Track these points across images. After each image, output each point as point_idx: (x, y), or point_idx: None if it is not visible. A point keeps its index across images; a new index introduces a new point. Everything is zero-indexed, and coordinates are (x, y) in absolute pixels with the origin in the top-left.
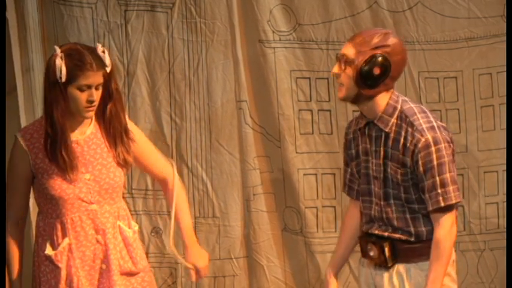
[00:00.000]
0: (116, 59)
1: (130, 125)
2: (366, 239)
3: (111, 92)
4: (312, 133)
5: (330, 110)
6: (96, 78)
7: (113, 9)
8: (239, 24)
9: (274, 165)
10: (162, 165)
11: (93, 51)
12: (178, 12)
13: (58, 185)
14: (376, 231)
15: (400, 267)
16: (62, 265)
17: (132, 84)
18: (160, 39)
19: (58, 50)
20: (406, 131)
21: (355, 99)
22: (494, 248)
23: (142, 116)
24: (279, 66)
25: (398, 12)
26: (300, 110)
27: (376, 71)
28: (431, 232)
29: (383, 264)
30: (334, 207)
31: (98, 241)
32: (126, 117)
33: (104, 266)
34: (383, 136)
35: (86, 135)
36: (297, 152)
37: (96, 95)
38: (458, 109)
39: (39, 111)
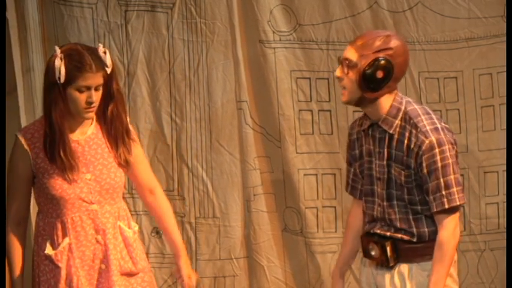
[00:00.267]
0: (116, 59)
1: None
2: (367, 238)
3: (112, 92)
4: (312, 133)
5: (330, 110)
6: (96, 79)
7: (113, 9)
8: (239, 24)
9: (275, 166)
10: (151, 175)
11: (93, 51)
12: (179, 12)
13: (59, 185)
14: (378, 231)
15: (402, 267)
16: (62, 265)
17: (132, 85)
18: (161, 40)
19: (58, 51)
20: (410, 133)
21: (359, 102)
22: (494, 248)
23: (142, 116)
24: (279, 67)
25: (398, 13)
26: (300, 110)
27: (379, 74)
28: (433, 233)
29: (384, 264)
30: (335, 207)
31: (97, 241)
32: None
33: (103, 266)
34: (387, 137)
35: (87, 136)
36: (297, 152)
37: (96, 96)
38: (458, 109)
39: (39, 112)
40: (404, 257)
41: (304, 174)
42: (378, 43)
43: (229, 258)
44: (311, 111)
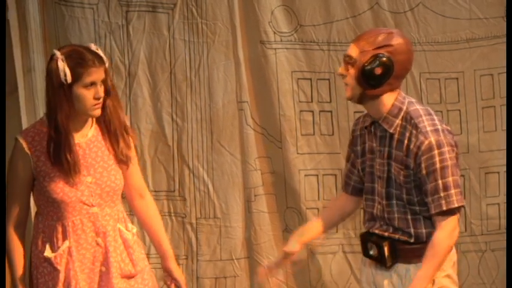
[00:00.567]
0: (117, 59)
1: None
2: (367, 237)
3: (109, 88)
4: (313, 134)
5: (331, 111)
6: (99, 74)
7: (114, 10)
8: (240, 25)
9: (276, 166)
10: (142, 178)
11: (89, 49)
12: (180, 13)
13: (60, 188)
14: (377, 231)
15: (400, 268)
16: (61, 268)
17: (133, 85)
18: (162, 40)
19: (58, 53)
20: (411, 133)
21: (360, 99)
22: (495, 249)
23: (143, 116)
24: (280, 67)
25: (399, 13)
26: (301, 111)
27: (378, 70)
28: (431, 234)
29: (382, 264)
30: None
31: (98, 244)
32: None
33: (103, 269)
34: (387, 136)
35: (88, 138)
36: (298, 153)
37: (101, 91)
38: (459, 110)
39: (40, 112)
40: (402, 257)
41: (305, 175)
42: (379, 40)
43: (230, 259)
44: (312, 111)
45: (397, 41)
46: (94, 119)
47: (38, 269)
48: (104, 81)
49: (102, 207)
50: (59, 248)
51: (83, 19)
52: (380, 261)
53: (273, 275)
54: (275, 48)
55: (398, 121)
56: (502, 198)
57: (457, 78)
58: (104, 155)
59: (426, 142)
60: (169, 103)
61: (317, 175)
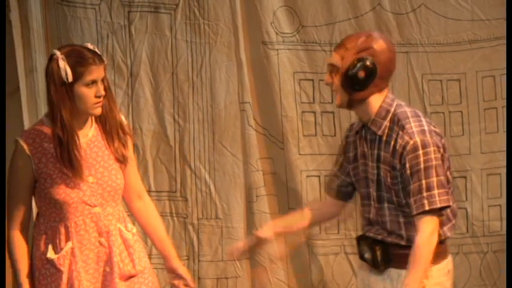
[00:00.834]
0: (119, 60)
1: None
2: (362, 241)
3: (105, 87)
4: (315, 135)
5: (333, 112)
6: (99, 71)
7: (117, 10)
8: (242, 25)
9: (277, 167)
10: (140, 179)
11: (87, 48)
12: (182, 13)
13: (62, 190)
14: (371, 234)
15: (392, 272)
16: (64, 269)
17: (135, 86)
18: (164, 41)
19: (58, 53)
20: (397, 134)
21: (349, 105)
22: (497, 251)
23: (145, 117)
24: (282, 68)
25: (401, 14)
26: (303, 111)
27: (361, 74)
28: None
29: (376, 268)
30: None
31: (101, 244)
32: (122, 115)
33: (107, 269)
34: (377, 139)
35: (88, 138)
36: (300, 154)
37: (102, 89)
38: (461, 111)
39: (42, 112)
40: (394, 262)
41: (307, 176)
42: (358, 43)
43: (232, 260)
44: (314, 112)
45: (376, 42)
46: (93, 119)
47: (40, 270)
48: (104, 80)
49: (104, 207)
50: (61, 249)
51: (85, 19)
52: (373, 265)
53: (239, 257)
54: (277, 49)
55: (386, 123)
56: (504, 200)
57: (459, 80)
58: (105, 155)
59: (411, 142)
60: (171, 103)
61: (319, 176)
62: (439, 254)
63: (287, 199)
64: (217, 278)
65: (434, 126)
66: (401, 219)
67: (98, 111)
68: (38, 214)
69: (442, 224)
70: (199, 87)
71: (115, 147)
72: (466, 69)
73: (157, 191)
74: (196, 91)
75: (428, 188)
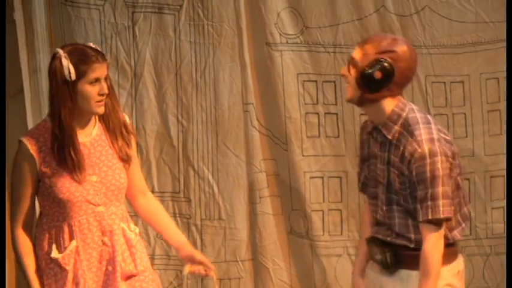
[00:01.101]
0: (123, 60)
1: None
2: (372, 242)
3: (108, 85)
4: (319, 136)
5: (336, 113)
6: (103, 69)
7: (121, 10)
8: (246, 27)
9: (281, 168)
10: (142, 177)
11: (90, 46)
12: (186, 14)
13: (66, 188)
14: (380, 236)
15: (403, 273)
16: (69, 268)
17: (139, 86)
18: (168, 42)
19: (61, 51)
20: (407, 140)
21: (359, 102)
22: (500, 253)
23: (149, 118)
24: (286, 69)
25: (405, 16)
26: (306, 113)
27: (378, 75)
28: None
29: (386, 269)
30: (341, 210)
31: (104, 243)
32: (125, 115)
33: (110, 268)
34: (387, 142)
35: (92, 137)
36: (303, 155)
37: (105, 87)
38: (465, 113)
39: (45, 113)
40: (405, 263)
41: (310, 177)
42: (382, 45)
43: (235, 261)
44: (317, 114)
45: (401, 47)
46: (97, 118)
47: (44, 270)
48: (107, 78)
49: (108, 206)
50: (65, 248)
51: (89, 20)
52: (384, 266)
53: None
54: (281, 50)
55: (397, 127)
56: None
57: (462, 82)
58: (108, 154)
59: (419, 150)
60: (174, 104)
61: (322, 177)
62: (449, 256)
63: (290, 200)
64: (220, 278)
65: (444, 134)
66: (410, 222)
67: (101, 109)
68: (40, 214)
69: (451, 228)
70: (202, 88)
71: (119, 146)
72: (469, 71)
73: (160, 192)
74: (200, 92)
75: (433, 198)
